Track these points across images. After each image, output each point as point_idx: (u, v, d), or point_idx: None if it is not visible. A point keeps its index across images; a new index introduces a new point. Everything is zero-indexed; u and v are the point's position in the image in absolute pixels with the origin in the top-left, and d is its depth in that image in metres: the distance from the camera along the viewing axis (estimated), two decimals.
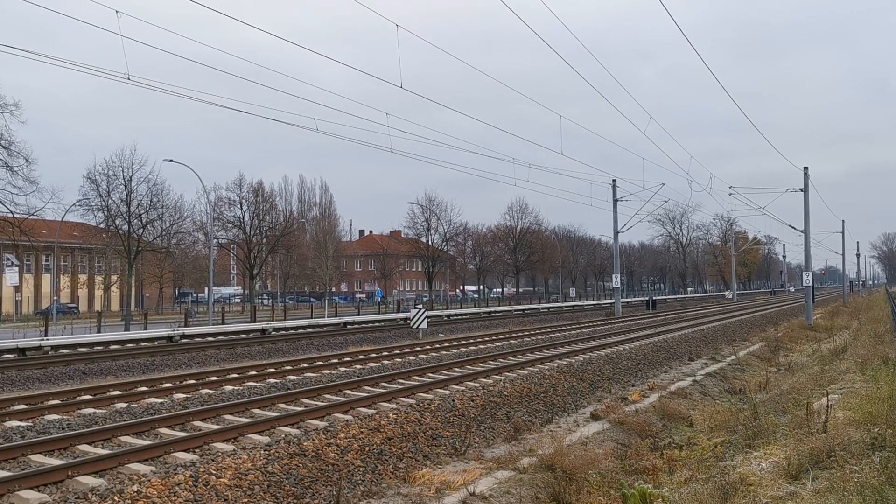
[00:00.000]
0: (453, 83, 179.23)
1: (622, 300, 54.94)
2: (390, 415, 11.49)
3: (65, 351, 22.96)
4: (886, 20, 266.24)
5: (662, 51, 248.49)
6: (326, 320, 38.05)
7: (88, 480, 7.93)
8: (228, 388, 14.79)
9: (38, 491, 7.60)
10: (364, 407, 12.36)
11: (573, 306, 63.59)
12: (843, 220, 73.45)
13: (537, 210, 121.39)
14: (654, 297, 67.14)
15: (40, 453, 9.04)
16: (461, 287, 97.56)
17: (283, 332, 31.59)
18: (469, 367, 17.86)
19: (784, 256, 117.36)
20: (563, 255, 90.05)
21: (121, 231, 41.51)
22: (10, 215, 32.55)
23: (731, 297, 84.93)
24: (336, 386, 14.29)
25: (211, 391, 14.29)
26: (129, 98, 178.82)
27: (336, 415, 11.66)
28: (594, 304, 68.33)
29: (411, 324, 30.21)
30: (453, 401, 12.89)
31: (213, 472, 8.15)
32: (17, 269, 43.84)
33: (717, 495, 7.65)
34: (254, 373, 17.03)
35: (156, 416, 11.05)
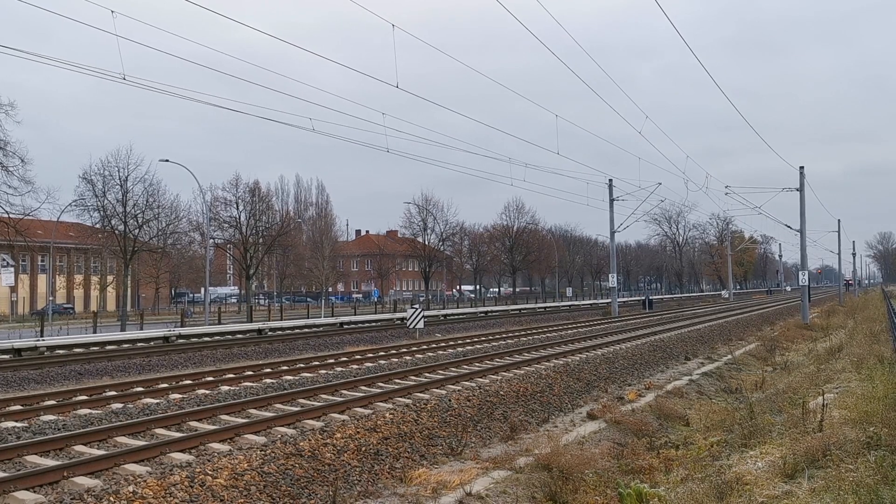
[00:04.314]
0: (450, 83, 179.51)
1: (619, 300, 55.00)
2: (387, 415, 11.49)
3: (61, 351, 22.91)
4: (886, 18, 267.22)
5: (660, 49, 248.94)
6: (323, 320, 38.02)
7: (84, 481, 7.91)
8: (225, 388, 14.77)
9: (34, 492, 7.58)
10: (360, 407, 12.35)
11: (570, 306, 63.63)
12: (838, 220, 73.68)
13: (534, 210, 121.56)
14: (650, 297, 67.21)
15: (36, 454, 9.01)
16: (458, 287, 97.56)
17: (280, 332, 31.55)
18: (465, 366, 17.86)
19: (780, 256, 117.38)
20: (559, 255, 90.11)
21: (117, 231, 41.40)
22: (6, 215, 32.47)
23: (727, 296, 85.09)
24: (332, 386, 14.28)
25: (207, 391, 14.27)
26: (124, 97, 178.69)
27: (332, 415, 11.66)
28: (591, 304, 68.37)
29: (408, 324, 30.19)
30: (450, 401, 12.89)
31: (210, 472, 8.14)
32: (12, 269, 43.72)
33: (713, 494, 7.66)
34: (250, 373, 17.01)
35: (152, 417, 11.03)
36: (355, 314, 46.85)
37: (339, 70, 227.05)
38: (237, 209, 50.01)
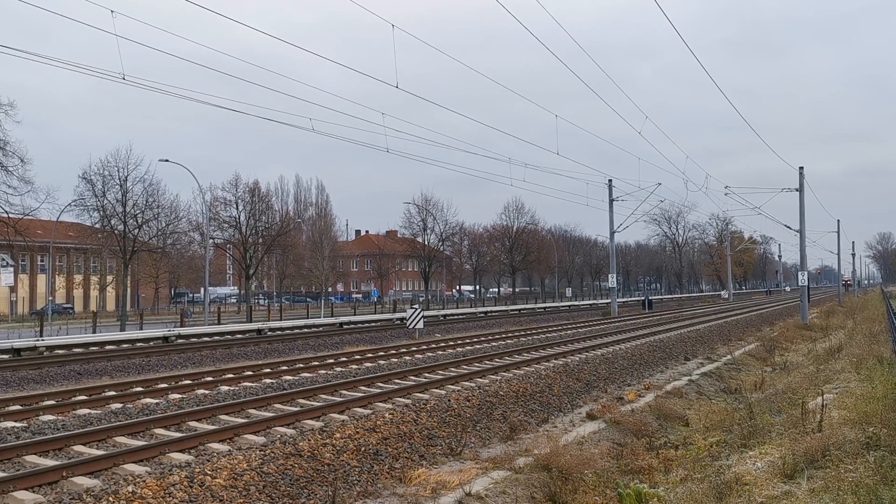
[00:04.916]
0: (449, 83, 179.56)
1: (618, 300, 55.00)
2: (386, 415, 11.49)
3: (60, 351, 22.90)
4: (886, 18, 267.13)
5: (660, 49, 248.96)
6: (323, 320, 38.01)
7: (83, 481, 7.91)
8: (224, 388, 14.77)
9: (33, 492, 7.58)
10: (360, 407, 12.35)
11: (569, 306, 63.62)
12: (838, 220, 73.59)
13: (533, 210, 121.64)
14: (650, 297, 67.22)
15: (35, 454, 9.01)
16: (457, 287, 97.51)
17: (279, 332, 31.55)
18: (465, 367, 17.86)
19: (780, 256, 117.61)
20: (559, 255, 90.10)
21: (116, 231, 41.38)
22: (6, 215, 32.46)
23: (727, 296, 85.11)
24: (332, 386, 14.28)
25: (206, 391, 14.27)
26: (124, 97, 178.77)
27: (332, 415, 11.66)
28: (590, 304, 68.37)
29: (407, 324, 30.19)
30: (449, 401, 12.89)
31: (209, 472, 8.14)
32: (12, 269, 43.68)
33: (712, 495, 7.66)
34: (250, 373, 17.00)
35: (151, 417, 11.03)
36: (355, 314, 46.85)
37: (339, 70, 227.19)
38: (237, 209, 50.05)
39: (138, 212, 41.95)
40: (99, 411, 12.09)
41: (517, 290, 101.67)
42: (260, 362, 20.67)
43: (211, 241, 51.03)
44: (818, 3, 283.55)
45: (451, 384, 14.99)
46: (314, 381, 15.58)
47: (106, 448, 9.52)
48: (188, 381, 15.74)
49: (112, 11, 16.20)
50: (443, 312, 46.68)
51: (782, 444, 9.27)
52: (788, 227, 44.56)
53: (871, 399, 10.65)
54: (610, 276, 51.35)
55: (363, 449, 9.84)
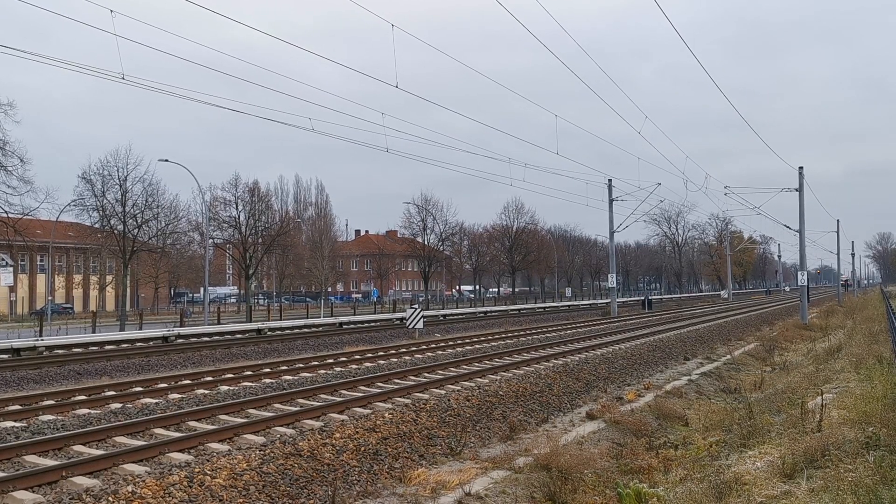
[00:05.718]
0: (449, 83, 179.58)
1: (618, 300, 55.00)
2: (386, 415, 11.49)
3: (59, 351, 22.90)
4: (885, 19, 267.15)
5: (660, 50, 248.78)
6: (322, 320, 38.00)
7: (83, 481, 7.91)
8: (224, 388, 14.77)
9: (33, 492, 7.58)
10: (360, 407, 12.35)
11: (569, 306, 63.61)
12: (837, 220, 73.64)
13: (533, 210, 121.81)
14: (649, 297, 67.22)
15: (35, 454, 9.01)
16: (457, 287, 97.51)
17: (279, 332, 31.54)
18: (465, 366, 17.86)
19: (779, 256, 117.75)
20: (558, 255, 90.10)
21: (116, 231, 41.34)
22: (5, 215, 32.45)
23: (726, 296, 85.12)
24: (332, 386, 14.28)
25: (206, 391, 14.27)
26: (124, 97, 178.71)
27: (331, 415, 11.66)
28: (590, 304, 68.37)
29: (407, 324, 30.19)
30: (449, 400, 12.89)
31: (208, 472, 8.14)
32: (11, 269, 43.63)
33: (711, 494, 7.66)
34: (249, 373, 17.00)
35: (151, 417, 11.02)
36: (354, 314, 46.85)
37: (339, 70, 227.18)
38: (236, 209, 49.94)
39: (138, 212, 41.90)
40: (98, 411, 12.09)
41: (517, 290, 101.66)
42: (259, 362, 20.68)
43: (210, 241, 51.04)
44: (818, 3, 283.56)
45: (451, 384, 14.99)
46: (314, 380, 15.58)
47: (105, 448, 9.52)
48: (188, 381, 15.74)
49: (112, 11, 16.20)
50: (442, 312, 46.67)
51: (782, 444, 9.27)
52: (788, 227, 44.65)
53: (870, 399, 10.65)
54: (610, 276, 51.34)
55: (363, 449, 9.84)
